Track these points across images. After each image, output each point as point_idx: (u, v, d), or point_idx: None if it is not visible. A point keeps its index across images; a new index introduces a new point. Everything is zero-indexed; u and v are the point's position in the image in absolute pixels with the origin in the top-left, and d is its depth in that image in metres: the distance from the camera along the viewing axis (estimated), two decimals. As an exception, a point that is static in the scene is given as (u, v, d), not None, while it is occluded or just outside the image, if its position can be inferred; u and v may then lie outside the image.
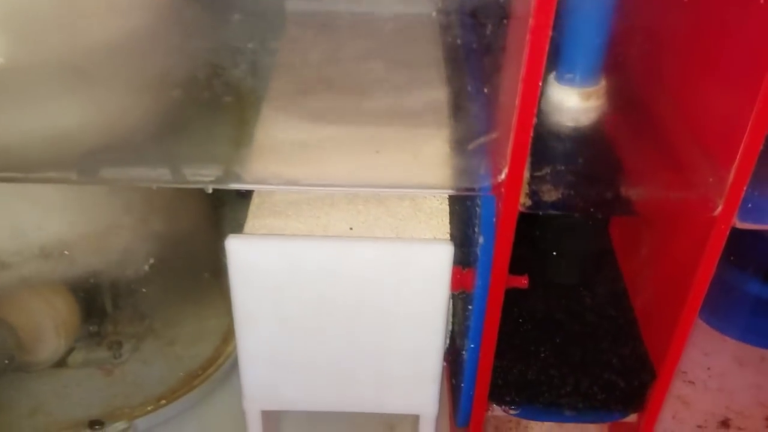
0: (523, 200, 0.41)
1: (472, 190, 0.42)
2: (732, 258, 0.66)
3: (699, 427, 0.74)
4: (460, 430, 0.61)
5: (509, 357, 0.53)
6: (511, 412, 0.54)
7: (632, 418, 0.56)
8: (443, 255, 0.48)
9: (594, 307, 0.56)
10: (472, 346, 0.50)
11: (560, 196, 0.41)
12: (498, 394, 0.53)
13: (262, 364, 0.54)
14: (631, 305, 0.57)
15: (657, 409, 0.53)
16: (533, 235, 0.55)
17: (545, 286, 0.57)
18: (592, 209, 0.42)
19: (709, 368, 0.82)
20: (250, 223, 0.51)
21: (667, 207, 0.42)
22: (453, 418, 0.61)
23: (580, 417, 0.54)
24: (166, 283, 0.74)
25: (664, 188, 0.41)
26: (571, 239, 0.55)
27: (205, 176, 0.40)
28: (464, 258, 0.51)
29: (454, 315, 0.60)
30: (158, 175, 0.40)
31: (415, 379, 0.55)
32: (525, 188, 0.41)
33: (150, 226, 0.66)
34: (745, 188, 0.40)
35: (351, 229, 0.50)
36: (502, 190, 0.41)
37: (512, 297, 0.50)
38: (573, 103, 0.48)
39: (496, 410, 0.55)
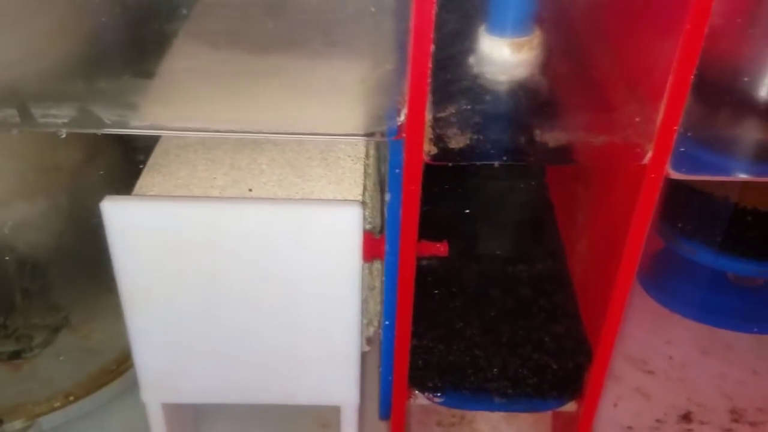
0: (428, 147, 0.36)
1: (374, 134, 0.37)
2: (680, 225, 0.61)
3: (658, 421, 0.69)
4: (386, 425, 0.55)
5: (431, 336, 0.47)
6: (436, 399, 0.49)
7: (572, 407, 0.51)
8: (351, 218, 0.43)
9: (529, 281, 0.51)
10: (386, 322, 0.45)
11: (468, 141, 0.36)
12: (419, 379, 0.48)
13: (156, 348, 0.48)
14: (570, 279, 0.52)
15: (596, 395, 0.48)
16: (463, 201, 0.51)
17: (477, 258, 0.52)
18: (505, 157, 0.37)
19: (671, 357, 0.77)
20: (141, 183, 0.46)
21: (593, 154, 0.37)
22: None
23: (511, 405, 0.49)
24: (80, 268, 0.68)
25: (588, 131, 0.36)
26: (505, 204, 0.50)
27: (59, 118, 0.34)
28: (383, 226, 0.46)
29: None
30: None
31: (331, 364, 0.49)
32: (429, 133, 0.36)
33: (53, 198, 0.60)
34: (676, 131, 0.35)
35: (250, 190, 0.45)
36: (404, 134, 0.36)
37: (437, 269, 0.45)
38: (504, 54, 0.43)
39: (420, 398, 0.49)
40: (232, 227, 0.43)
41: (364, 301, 0.51)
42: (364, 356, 0.52)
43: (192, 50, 0.37)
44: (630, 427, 0.67)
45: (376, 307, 0.56)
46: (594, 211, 0.47)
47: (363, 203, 0.43)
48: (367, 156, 0.49)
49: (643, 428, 0.68)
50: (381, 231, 0.47)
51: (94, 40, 0.35)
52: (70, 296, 0.71)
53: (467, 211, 0.49)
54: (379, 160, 0.52)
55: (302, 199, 0.44)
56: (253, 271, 0.45)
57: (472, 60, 0.42)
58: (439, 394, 0.48)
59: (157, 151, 0.49)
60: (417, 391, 0.49)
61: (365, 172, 0.47)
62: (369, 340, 0.56)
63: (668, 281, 0.68)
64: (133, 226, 0.43)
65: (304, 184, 0.45)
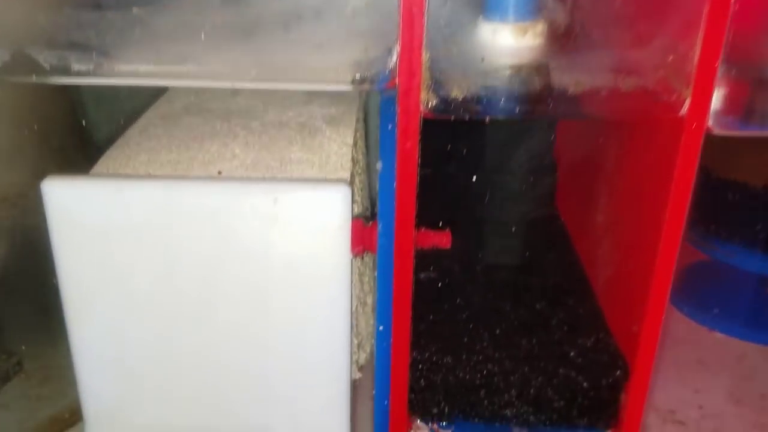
0: (426, 97, 0.31)
1: (362, 82, 0.31)
2: (713, 227, 0.53)
3: (697, 475, 0.59)
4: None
5: (435, 351, 0.40)
6: (441, 431, 0.40)
7: (606, 441, 0.42)
8: (337, 200, 0.36)
9: (544, 291, 0.44)
10: (380, 328, 0.37)
11: (475, 90, 0.30)
12: (421, 405, 0.40)
13: (103, 368, 0.40)
14: (590, 288, 0.45)
15: (637, 420, 0.40)
16: (467, 209, 0.44)
17: (484, 269, 0.45)
18: (518, 108, 0.31)
19: (701, 407, 0.68)
20: (96, 168, 0.39)
21: (621, 105, 0.31)
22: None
23: (534, 437, 0.40)
24: (35, 307, 0.61)
25: (614, 74, 0.30)
26: (512, 205, 0.43)
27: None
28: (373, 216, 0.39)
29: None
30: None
31: (316, 391, 0.41)
32: (427, 79, 0.30)
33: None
34: (717, 69, 0.30)
35: (220, 173, 0.38)
36: (397, 80, 0.30)
37: (442, 281, 0.38)
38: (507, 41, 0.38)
39: (423, 430, 0.41)
40: (193, 214, 0.36)
41: (354, 318, 0.43)
42: (355, 386, 0.44)
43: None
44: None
45: (368, 328, 0.49)
46: (619, 187, 0.40)
47: (351, 184, 0.37)
48: (355, 144, 0.43)
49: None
50: (371, 220, 0.40)
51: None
52: (23, 339, 0.63)
53: (469, 220, 0.43)
54: (369, 150, 0.46)
55: (278, 177, 0.38)
56: (219, 268, 0.37)
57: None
58: (445, 424, 0.40)
59: (119, 141, 0.43)
60: (419, 421, 0.40)
61: (353, 157, 0.41)
62: (361, 368, 0.48)
63: (705, 294, 0.60)
64: (78, 212, 0.36)
65: (282, 167, 0.39)
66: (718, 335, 0.60)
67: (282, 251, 0.37)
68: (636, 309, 0.38)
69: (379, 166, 0.34)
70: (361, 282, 0.46)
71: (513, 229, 0.44)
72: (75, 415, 0.58)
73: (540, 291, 0.44)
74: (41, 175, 0.53)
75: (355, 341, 0.45)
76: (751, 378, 0.73)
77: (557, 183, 0.45)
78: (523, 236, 0.46)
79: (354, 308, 0.43)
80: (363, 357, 0.48)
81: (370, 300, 0.48)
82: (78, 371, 0.40)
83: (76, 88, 0.54)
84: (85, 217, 0.36)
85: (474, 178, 0.42)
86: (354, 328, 0.44)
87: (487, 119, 0.32)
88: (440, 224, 0.38)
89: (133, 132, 0.43)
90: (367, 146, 0.46)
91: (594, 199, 0.44)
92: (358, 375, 0.46)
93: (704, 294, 0.58)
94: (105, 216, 0.36)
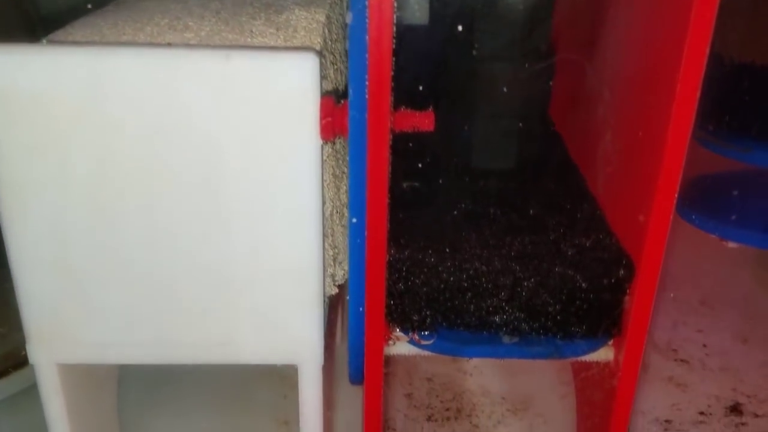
0: None
1: None
2: (726, 119, 0.47)
3: (702, 413, 0.56)
4: (359, 391, 0.42)
5: (415, 249, 0.35)
6: (424, 342, 0.36)
7: (608, 354, 0.38)
8: (303, 69, 0.31)
9: (539, 194, 0.39)
10: (353, 220, 0.33)
11: None
12: (400, 312, 0.35)
13: (44, 276, 0.35)
14: (589, 192, 0.40)
15: (643, 328, 0.35)
16: (452, 97, 0.40)
17: (475, 172, 0.41)
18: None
19: (705, 345, 0.65)
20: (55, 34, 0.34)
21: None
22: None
23: (525, 347, 0.35)
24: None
25: None
26: (507, 96, 0.39)
27: None
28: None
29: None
30: None
31: (283, 301, 0.36)
32: None
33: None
34: None
35: (169, 45, 0.34)
36: None
37: (425, 181, 0.34)
38: None
39: (401, 342, 0.36)
40: (134, 84, 0.31)
41: (329, 226, 0.39)
42: (332, 303, 0.40)
43: None
44: (668, 421, 0.54)
45: (345, 241, 0.44)
46: (623, 78, 0.36)
47: (321, 55, 0.32)
48: (329, 24, 0.38)
49: (685, 422, 0.55)
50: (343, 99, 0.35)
51: None
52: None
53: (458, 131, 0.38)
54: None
55: (233, 46, 0.33)
56: (165, 148, 0.32)
57: None
58: (427, 333, 0.35)
59: (65, 28, 0.38)
60: (398, 330, 0.36)
61: (324, 34, 0.36)
62: (339, 286, 0.44)
63: (715, 203, 0.54)
64: (7, 85, 0.31)
65: (242, 39, 0.34)
66: (732, 245, 0.55)
67: (238, 128, 0.32)
68: (643, 198, 0.34)
69: (348, 18, 0.29)
70: (338, 187, 0.41)
71: (506, 125, 0.39)
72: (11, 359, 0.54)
73: (535, 194, 0.40)
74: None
75: (331, 253, 0.41)
76: (756, 317, 0.69)
77: (554, 75, 0.40)
78: (516, 138, 0.41)
79: (329, 213, 0.39)
80: (341, 273, 0.44)
81: (347, 212, 0.44)
82: (15, 276, 0.35)
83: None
84: (18, 89, 0.31)
85: (461, 60, 0.37)
86: (329, 237, 0.39)
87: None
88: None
89: (81, 19, 0.38)
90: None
91: (594, 94, 0.40)
92: (334, 290, 0.41)
93: (715, 203, 0.54)
94: (38, 89, 0.31)
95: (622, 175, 0.37)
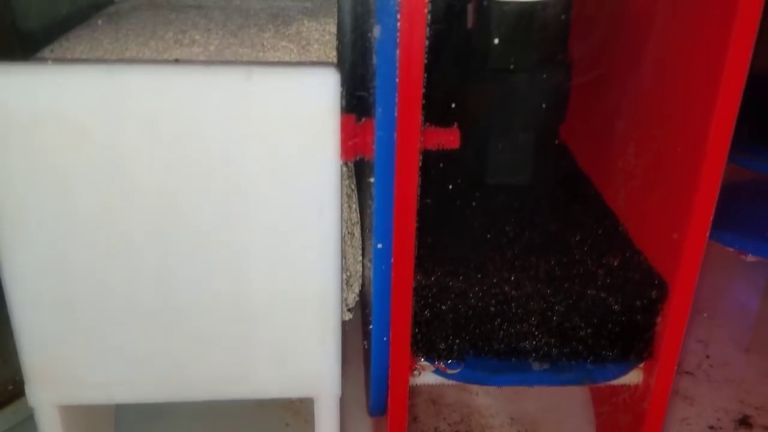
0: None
1: None
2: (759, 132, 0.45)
3: (712, 428, 0.55)
4: (379, 423, 0.40)
5: (441, 274, 0.33)
6: (450, 371, 0.34)
7: (637, 377, 0.37)
8: (324, 86, 0.29)
9: (557, 211, 0.38)
10: (379, 245, 0.31)
11: None
12: (426, 340, 0.33)
13: (44, 307, 0.32)
14: (607, 206, 0.39)
15: (675, 350, 0.34)
16: (467, 113, 0.38)
17: (487, 189, 0.39)
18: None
19: (708, 356, 0.64)
20: (49, 49, 0.31)
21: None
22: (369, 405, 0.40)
23: (555, 375, 0.34)
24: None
25: None
26: (521, 110, 0.38)
27: None
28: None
29: (364, 249, 0.41)
30: None
31: (299, 334, 0.34)
32: None
33: None
34: None
35: (176, 61, 0.31)
36: None
37: (443, 202, 0.32)
38: None
39: (426, 372, 0.34)
40: (146, 105, 0.28)
41: (343, 255, 0.37)
42: (345, 329, 0.37)
43: None
44: (679, 436, 0.53)
45: (355, 265, 0.42)
46: (649, 91, 0.34)
47: (339, 68, 0.30)
48: (339, 27, 0.36)
49: (696, 436, 0.54)
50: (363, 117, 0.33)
51: None
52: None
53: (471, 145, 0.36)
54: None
55: (251, 62, 0.31)
56: (180, 172, 0.30)
57: None
58: (454, 362, 0.34)
59: (58, 41, 0.35)
60: (423, 360, 0.34)
61: (337, 47, 0.34)
62: (350, 310, 0.42)
63: (734, 216, 0.53)
64: (8, 106, 0.28)
65: (254, 54, 0.32)
66: (751, 259, 0.54)
67: (255, 149, 0.30)
68: (676, 216, 0.32)
69: (376, 31, 0.27)
70: (350, 207, 0.39)
71: (517, 140, 0.38)
72: (18, 386, 0.50)
73: (552, 209, 0.39)
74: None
75: (344, 276, 0.39)
76: (755, 325, 0.69)
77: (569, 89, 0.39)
78: (527, 151, 0.40)
79: (343, 234, 0.37)
80: (351, 297, 0.42)
81: (357, 232, 0.42)
82: (13, 313, 0.32)
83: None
84: (17, 112, 0.28)
85: (477, 75, 0.36)
86: (343, 260, 0.37)
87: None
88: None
89: (76, 31, 0.36)
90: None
91: (612, 106, 0.39)
92: (348, 316, 0.39)
93: (730, 214, 0.53)
94: (41, 111, 0.28)
95: (648, 191, 0.36)
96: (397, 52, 0.27)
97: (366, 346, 0.39)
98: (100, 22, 0.36)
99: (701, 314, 0.69)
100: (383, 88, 0.27)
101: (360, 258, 0.43)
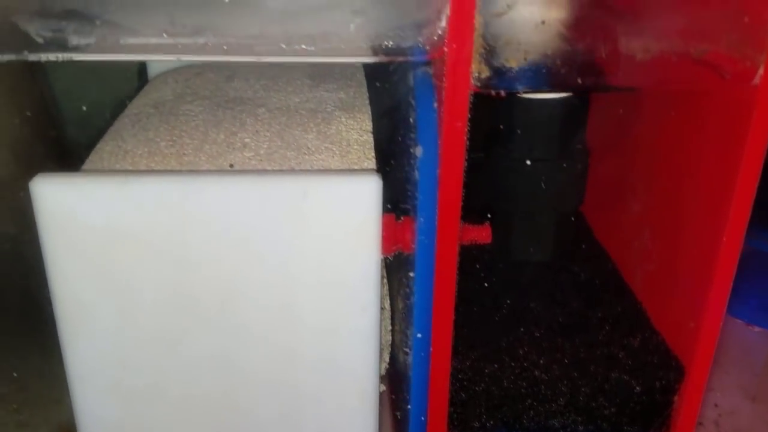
0: (478, 68, 0.27)
1: (397, 52, 0.27)
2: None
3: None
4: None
5: (475, 359, 0.36)
6: (483, 445, 0.36)
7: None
8: (368, 193, 0.32)
9: (577, 289, 0.40)
10: (418, 335, 0.33)
11: (533, 58, 0.27)
12: (461, 419, 0.36)
13: (105, 392, 0.34)
14: (625, 284, 0.42)
15: (691, 424, 0.37)
16: (488, 199, 0.41)
17: (509, 266, 0.42)
18: (581, 79, 0.28)
19: (716, 405, 0.66)
20: (90, 161, 0.34)
21: (688, 73, 0.28)
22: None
23: (582, 447, 0.37)
24: (13, 324, 0.54)
25: (681, 39, 0.27)
26: (540, 195, 0.40)
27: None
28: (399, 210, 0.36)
29: (393, 318, 0.43)
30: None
31: (343, 400, 0.36)
32: (479, 47, 0.27)
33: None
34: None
35: (231, 166, 0.34)
36: (445, 49, 0.27)
37: (467, 281, 0.34)
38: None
39: (461, 446, 0.37)
40: (205, 212, 0.32)
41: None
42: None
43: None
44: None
45: (386, 335, 0.45)
46: (666, 173, 0.37)
47: (381, 176, 0.33)
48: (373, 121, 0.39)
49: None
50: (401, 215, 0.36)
51: None
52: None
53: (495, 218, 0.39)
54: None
55: (302, 170, 0.33)
56: (237, 274, 0.33)
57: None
58: (486, 438, 0.36)
59: (110, 132, 0.38)
60: (457, 436, 0.36)
61: (374, 146, 0.37)
62: (381, 379, 0.44)
63: (743, 286, 0.54)
64: (73, 213, 0.31)
65: (300, 157, 0.35)
66: (757, 329, 0.56)
67: (307, 252, 0.33)
68: (691, 304, 0.35)
69: (418, 151, 0.30)
70: (381, 284, 0.42)
71: (538, 221, 0.41)
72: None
73: (573, 288, 0.41)
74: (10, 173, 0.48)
75: (377, 350, 0.41)
76: (761, 374, 0.71)
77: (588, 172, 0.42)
78: (548, 231, 0.42)
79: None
80: (383, 366, 0.44)
81: (387, 305, 0.45)
82: (74, 396, 0.35)
83: (44, 73, 0.48)
84: (83, 219, 0.31)
85: (498, 164, 0.39)
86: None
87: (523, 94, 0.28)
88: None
89: (123, 122, 0.39)
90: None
91: (629, 189, 0.42)
92: (382, 388, 0.42)
93: (742, 286, 0.56)
94: (106, 218, 0.31)
95: (665, 275, 0.38)
96: (438, 171, 0.29)
97: (399, 417, 0.42)
98: (151, 116, 0.39)
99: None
100: (425, 202, 0.30)
101: (390, 328, 0.45)
